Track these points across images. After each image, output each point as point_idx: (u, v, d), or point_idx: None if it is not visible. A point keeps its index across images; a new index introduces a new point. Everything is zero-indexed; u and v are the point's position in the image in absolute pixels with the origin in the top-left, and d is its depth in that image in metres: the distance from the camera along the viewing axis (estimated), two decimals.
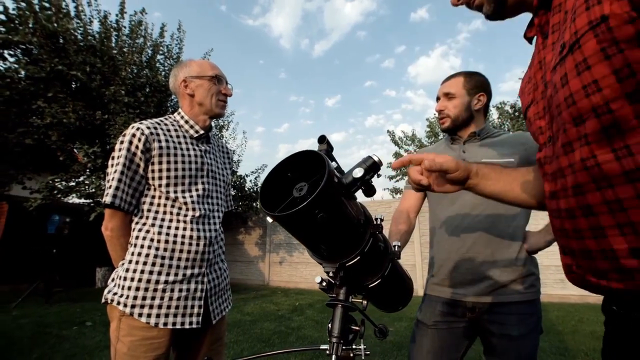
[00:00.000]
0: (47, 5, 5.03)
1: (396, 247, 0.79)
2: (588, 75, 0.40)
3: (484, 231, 1.05)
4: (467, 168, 0.67)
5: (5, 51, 4.99)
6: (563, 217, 0.49)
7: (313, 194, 0.51)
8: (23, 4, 4.89)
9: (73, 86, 5.26)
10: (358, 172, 0.62)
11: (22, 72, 4.91)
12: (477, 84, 1.16)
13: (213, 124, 7.23)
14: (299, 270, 7.83)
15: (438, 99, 1.20)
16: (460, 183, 0.69)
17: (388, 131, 9.74)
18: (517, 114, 7.42)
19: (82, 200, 5.65)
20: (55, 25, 4.86)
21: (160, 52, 6.45)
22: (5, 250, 7.05)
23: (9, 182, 5.51)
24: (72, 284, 6.06)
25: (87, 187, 5.28)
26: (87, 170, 5.14)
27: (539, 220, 1.42)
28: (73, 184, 5.25)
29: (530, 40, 0.61)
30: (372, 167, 0.64)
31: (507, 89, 26.24)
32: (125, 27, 6.03)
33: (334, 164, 0.63)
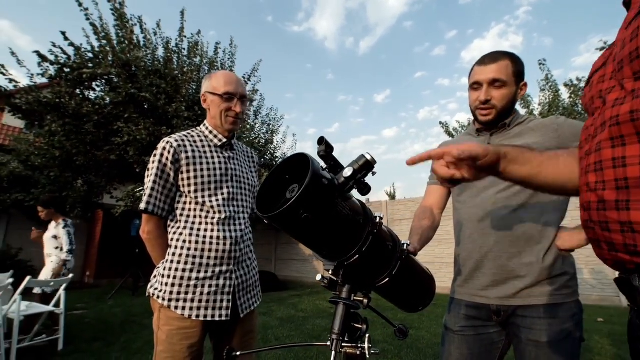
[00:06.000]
0: (122, 39, 5.85)
1: (405, 245, 0.77)
2: None
3: (509, 228, 0.96)
4: (496, 151, 0.63)
5: (94, 83, 5.94)
6: (592, 170, 0.51)
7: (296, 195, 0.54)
8: (104, 41, 5.77)
9: (145, 107, 6.01)
10: (347, 172, 0.63)
11: (107, 99, 5.78)
12: (522, 70, 1.01)
13: (264, 129, 7.52)
14: None
15: (477, 84, 1.02)
16: (492, 169, 0.65)
17: (441, 123, 9.16)
18: None
19: None
20: (128, 55, 5.62)
21: (215, 67, 7.02)
22: (102, 250, 8.38)
23: (101, 192, 6.53)
24: None
25: None
26: None
27: (575, 217, 1.23)
28: None
29: (627, 6, 0.59)
30: (364, 165, 0.64)
31: (581, 64, 22.35)
32: (184, 49, 6.71)
33: (323, 165, 0.65)
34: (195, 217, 1.13)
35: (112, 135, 5.65)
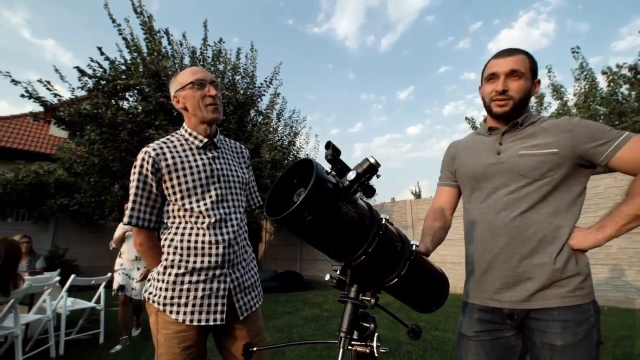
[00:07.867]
0: (151, 51, 6.19)
1: (414, 246, 0.78)
2: None
3: (520, 229, 0.94)
4: None
5: (127, 93, 6.34)
6: None
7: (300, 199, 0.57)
8: (135, 54, 6.13)
9: (174, 114, 6.32)
10: (351, 175, 0.65)
11: (140, 108, 6.14)
12: (536, 68, 1.02)
13: (287, 131, 7.58)
14: None
15: (494, 75, 1.01)
16: None
17: (466, 118, 8.88)
18: (639, 76, 5.75)
19: None
20: (157, 65, 5.93)
21: (238, 73, 7.23)
22: None
23: None
24: None
25: None
26: None
27: (587, 218, 1.16)
28: None
29: None
30: (368, 169, 0.66)
31: (623, 48, 20.32)
32: (209, 57, 6.98)
33: (329, 169, 0.67)
34: (186, 223, 1.11)
35: (144, 142, 5.98)
